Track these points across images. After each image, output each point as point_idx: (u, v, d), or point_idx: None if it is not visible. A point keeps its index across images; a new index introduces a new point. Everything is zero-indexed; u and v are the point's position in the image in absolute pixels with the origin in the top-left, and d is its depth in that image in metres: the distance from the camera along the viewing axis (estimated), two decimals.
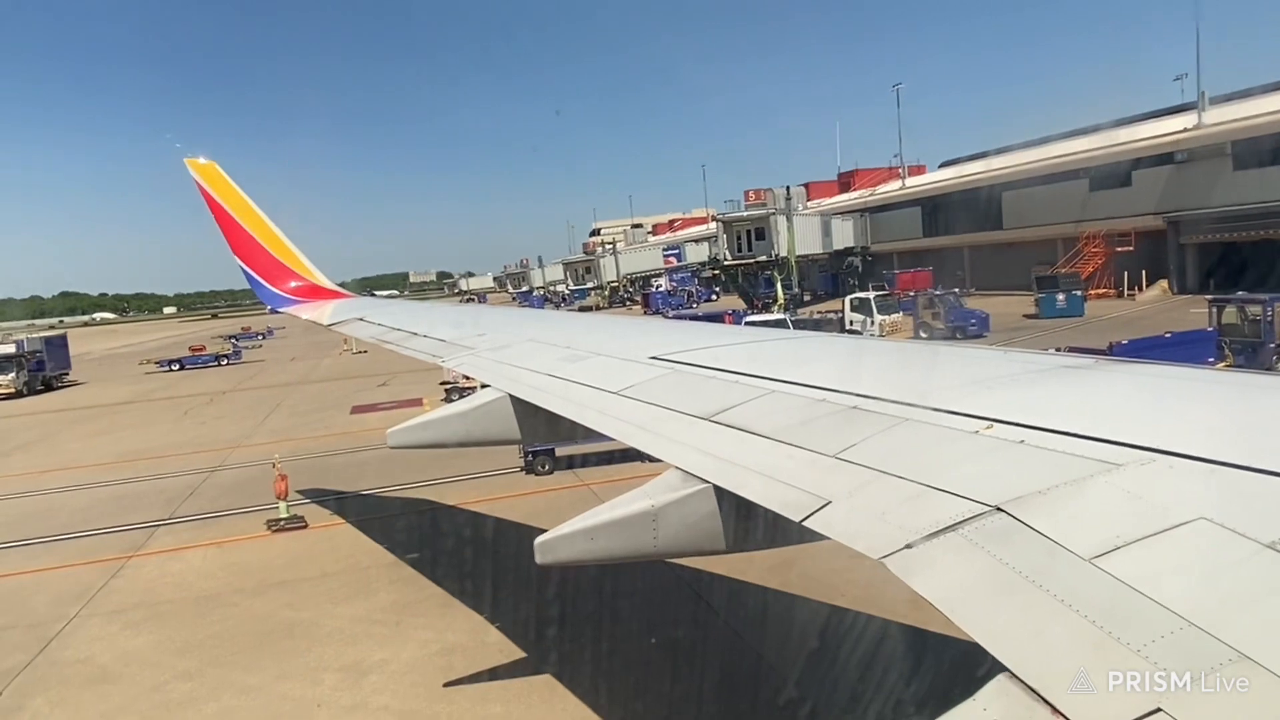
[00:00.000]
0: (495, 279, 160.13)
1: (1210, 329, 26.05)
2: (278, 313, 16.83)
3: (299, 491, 18.94)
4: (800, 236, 61.41)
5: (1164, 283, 49.53)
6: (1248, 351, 24.78)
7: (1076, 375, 4.75)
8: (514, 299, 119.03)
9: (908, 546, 2.93)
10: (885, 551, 2.95)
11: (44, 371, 51.42)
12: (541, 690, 9.70)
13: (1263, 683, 1.90)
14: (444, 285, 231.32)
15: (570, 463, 19.30)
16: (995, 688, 2.20)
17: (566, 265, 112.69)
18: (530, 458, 19.47)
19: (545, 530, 4.56)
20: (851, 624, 10.22)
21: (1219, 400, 3.97)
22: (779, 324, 33.66)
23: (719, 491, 4.22)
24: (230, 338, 75.05)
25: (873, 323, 39.00)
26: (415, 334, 11.46)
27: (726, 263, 64.55)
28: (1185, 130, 49.75)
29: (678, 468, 4.46)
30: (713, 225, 77.16)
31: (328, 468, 22.39)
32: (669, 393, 5.70)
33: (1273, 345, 24.43)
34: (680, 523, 4.33)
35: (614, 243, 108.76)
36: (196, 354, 61.59)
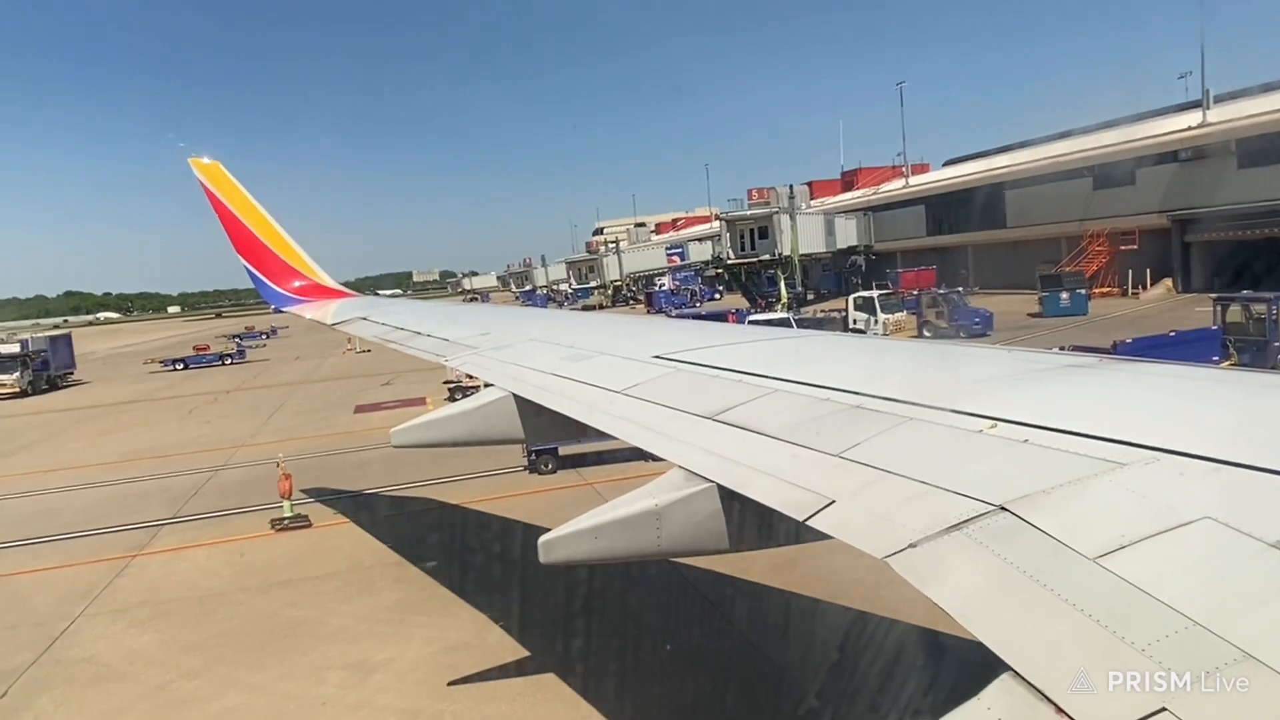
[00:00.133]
0: (498, 278, 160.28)
1: (1215, 328, 25.99)
2: (281, 312, 16.86)
3: (303, 491, 18.98)
4: (803, 235, 61.33)
5: (1168, 281, 49.41)
6: (1252, 350, 24.73)
7: (1081, 374, 4.74)
8: (517, 298, 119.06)
9: (912, 546, 2.93)
10: (889, 551, 2.95)
11: (49, 371, 51.54)
12: (546, 689, 9.71)
13: (1268, 683, 1.90)
14: (447, 284, 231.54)
15: (574, 462, 19.31)
16: (999, 687, 2.20)
17: (570, 264, 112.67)
18: (534, 457, 19.48)
19: (549, 529, 4.56)
20: (855, 623, 10.21)
21: (1224, 399, 3.96)
22: (782, 323, 33.63)
23: (722, 491, 4.22)
24: (234, 337, 75.18)
25: (876, 322, 38.94)
26: (418, 333, 11.47)
27: (730, 262, 64.43)
28: (1190, 128, 49.62)
29: (681, 467, 4.46)
30: (716, 224, 77.07)
31: (331, 467, 22.43)
32: (672, 392, 5.70)
33: (1278, 344, 24.36)
34: (684, 522, 4.33)
35: (617, 242, 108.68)
36: (200, 353, 61.69)
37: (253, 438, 28.55)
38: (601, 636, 10.88)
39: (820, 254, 68.40)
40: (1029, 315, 44.86)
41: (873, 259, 73.37)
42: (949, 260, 65.08)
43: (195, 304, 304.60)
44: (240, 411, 35.47)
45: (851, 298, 42.59)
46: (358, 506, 18.47)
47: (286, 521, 17.09)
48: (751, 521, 4.31)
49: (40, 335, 58.64)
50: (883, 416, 4.20)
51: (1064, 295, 45.05)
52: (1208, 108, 50.13)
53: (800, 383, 5.15)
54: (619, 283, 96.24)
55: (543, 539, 4.53)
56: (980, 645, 2.36)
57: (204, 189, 15.21)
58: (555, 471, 19.35)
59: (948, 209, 69.23)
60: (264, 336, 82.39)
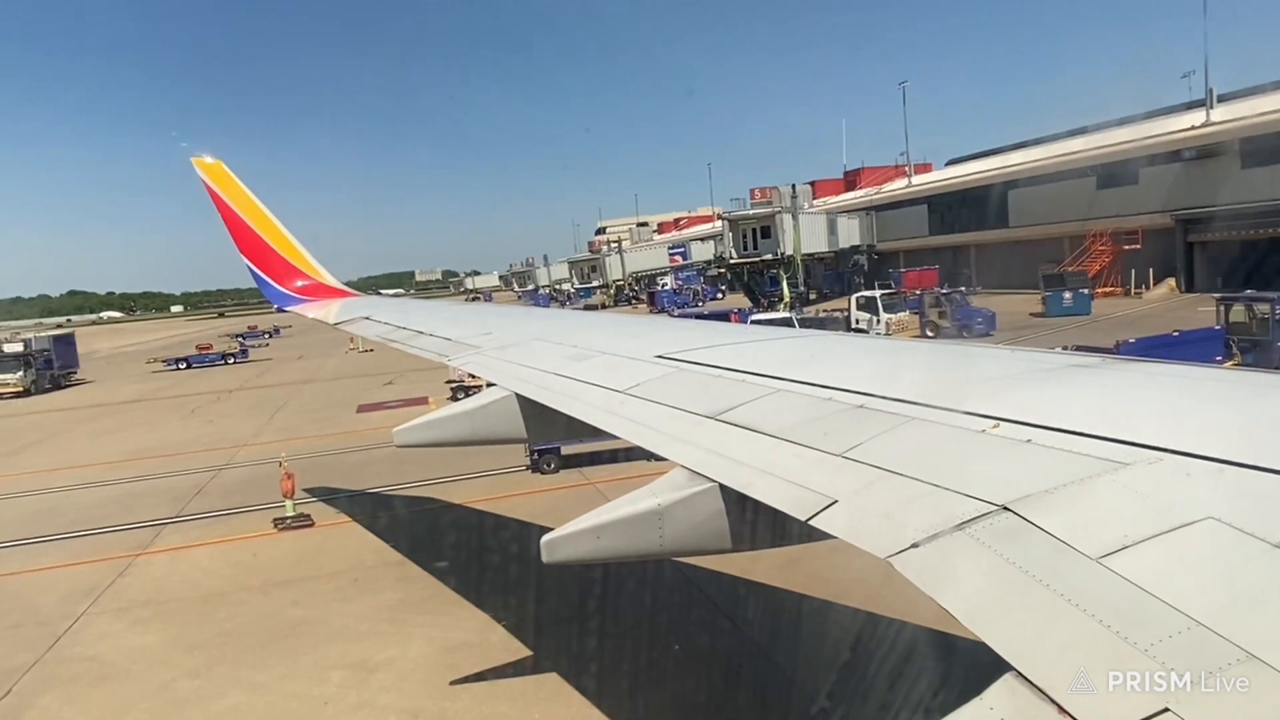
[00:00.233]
0: (501, 278, 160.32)
1: (1218, 327, 25.94)
2: (284, 311, 16.87)
3: (305, 490, 19.00)
4: (806, 235, 61.32)
5: (1171, 281, 49.34)
6: (1256, 350, 24.67)
7: (1083, 374, 4.73)
8: (520, 298, 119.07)
9: (914, 546, 2.92)
10: (891, 551, 2.95)
11: (52, 370, 51.70)
12: (548, 689, 9.71)
13: (1271, 683, 1.89)
14: (449, 284, 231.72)
15: (576, 461, 19.31)
16: (1002, 687, 2.20)
17: (572, 264, 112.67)
18: (536, 456, 19.49)
19: (551, 529, 4.57)
20: (857, 623, 10.21)
21: (1227, 399, 3.95)
22: (785, 323, 33.59)
23: (725, 490, 4.21)
24: (237, 336, 75.35)
25: (879, 321, 38.90)
26: (421, 333, 11.47)
27: (732, 261, 64.46)
28: (1193, 128, 49.54)
29: (684, 466, 4.46)
30: (718, 224, 77.00)
31: (334, 466, 22.45)
32: (674, 391, 5.69)
33: None
34: (686, 521, 4.33)
35: (619, 241, 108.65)
36: (203, 353, 61.74)
37: (255, 437, 28.58)
38: (604, 636, 10.88)
39: (823, 253, 68.44)
40: (1032, 315, 44.80)
41: (875, 259, 73.39)
42: (952, 260, 65.06)
43: (198, 303, 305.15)
44: (243, 411, 35.51)
45: (854, 297, 42.54)
46: (360, 506, 18.48)
47: (289, 521, 17.11)
48: (754, 521, 4.30)
49: (44, 334, 58.79)
50: (885, 416, 4.20)
51: (1067, 295, 44.97)
52: (1211, 107, 50.05)
53: (803, 382, 5.14)
54: (621, 282, 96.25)
55: (545, 538, 4.53)
56: (983, 645, 2.36)
57: (207, 188, 15.22)
58: (558, 471, 19.36)
59: (950, 208, 69.15)
60: (267, 336, 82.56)
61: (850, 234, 71.69)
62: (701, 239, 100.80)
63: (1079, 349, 19.47)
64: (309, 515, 17.41)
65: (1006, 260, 60.78)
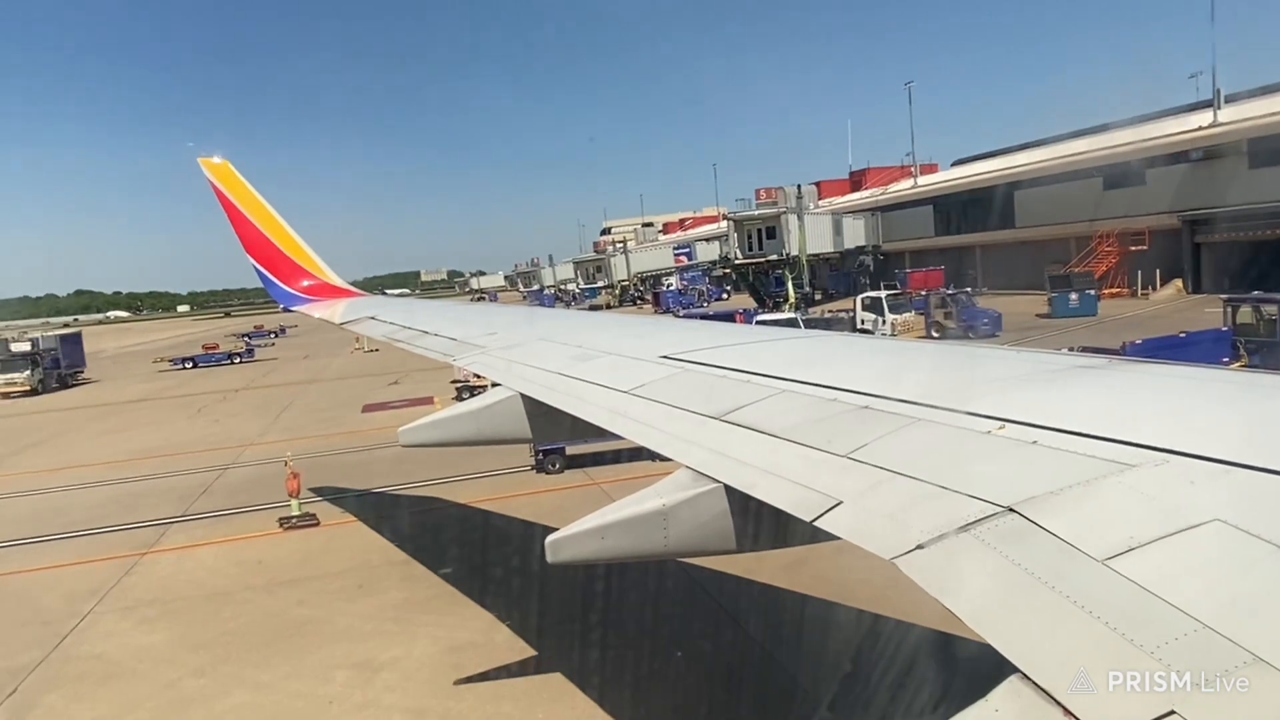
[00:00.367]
0: (506, 278, 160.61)
1: (1225, 329, 25.83)
2: (290, 311, 16.92)
3: (311, 489, 19.03)
4: (811, 235, 61.27)
5: (1178, 282, 49.17)
6: (1263, 351, 24.56)
7: (1090, 375, 4.72)
8: (525, 298, 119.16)
9: (919, 547, 2.92)
10: (897, 552, 2.94)
11: (59, 369, 51.88)
12: (552, 689, 9.72)
13: (1278, 686, 1.89)
14: (455, 284, 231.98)
15: (581, 461, 19.32)
16: (1007, 689, 2.19)
17: (577, 264, 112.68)
18: (541, 456, 19.50)
19: (556, 529, 4.57)
20: (862, 624, 10.20)
21: (1234, 401, 3.94)
22: (790, 323, 33.57)
23: (730, 491, 4.21)
24: (243, 336, 75.40)
25: (884, 322, 38.85)
26: (426, 332, 11.49)
27: (737, 261, 64.46)
28: (1200, 128, 49.38)
29: (688, 467, 4.46)
30: (723, 224, 76.99)
31: (339, 466, 22.49)
32: (679, 392, 5.69)
33: None
34: (691, 522, 4.32)
35: (624, 241, 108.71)
36: (209, 352, 61.88)
37: (261, 436, 28.65)
38: (608, 636, 10.88)
39: (828, 254, 68.29)
40: (1038, 316, 44.69)
41: (881, 259, 73.20)
42: (957, 261, 64.91)
43: (204, 303, 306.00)
44: (249, 410, 35.59)
45: (859, 298, 42.47)
46: (365, 505, 18.51)
47: (294, 520, 17.14)
48: (759, 522, 4.30)
49: (51, 334, 59.05)
50: (890, 417, 4.19)
51: (1073, 296, 44.87)
52: (1219, 107, 49.87)
53: (808, 383, 5.14)
54: (626, 283, 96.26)
55: (550, 538, 4.54)
56: (988, 647, 2.35)
57: (213, 188, 15.27)
58: (562, 471, 19.36)
59: (956, 209, 69.05)
60: (273, 335, 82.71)
61: (856, 234, 71.56)
62: (707, 239, 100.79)
63: (1085, 350, 19.41)
64: (314, 515, 17.44)
65: (1012, 261, 60.63)
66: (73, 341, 56.73)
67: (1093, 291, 45.86)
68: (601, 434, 6.09)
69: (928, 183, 78.22)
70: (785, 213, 60.77)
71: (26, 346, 50.95)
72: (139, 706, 10.39)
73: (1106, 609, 2.29)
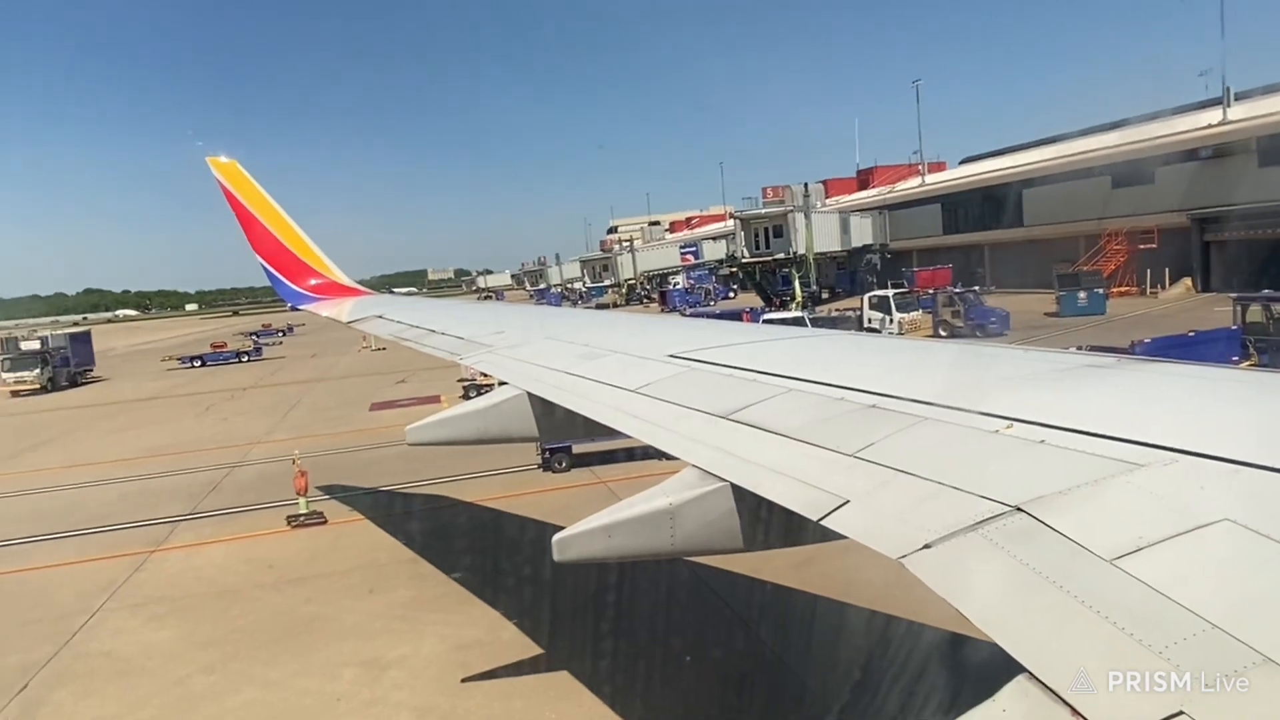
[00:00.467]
0: (513, 276, 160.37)
1: (1235, 327, 25.73)
2: (298, 310, 16.97)
3: (318, 487, 19.10)
4: (819, 234, 61.13)
5: (1187, 281, 48.93)
6: (1273, 350, 24.47)
7: (1098, 374, 4.70)
8: (531, 296, 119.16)
9: (927, 547, 2.91)
10: (904, 551, 2.94)
11: (68, 367, 52.14)
12: (559, 687, 9.73)
13: None
14: (462, 283, 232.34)
15: (587, 460, 19.32)
16: (1014, 689, 2.19)
17: (584, 263, 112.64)
18: (548, 455, 19.52)
19: (562, 527, 4.58)
20: (869, 623, 10.18)
21: (1243, 400, 3.92)
22: (797, 322, 33.53)
23: (736, 490, 4.21)
24: (251, 334, 75.70)
25: (891, 321, 38.75)
26: (433, 331, 11.51)
27: (744, 260, 64.33)
28: (1210, 126, 49.08)
29: (695, 466, 4.46)
30: (730, 223, 76.97)
31: (347, 464, 22.55)
32: (686, 391, 5.69)
33: None
34: (698, 521, 4.33)
35: (631, 240, 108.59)
36: (218, 351, 62.13)
37: (269, 435, 28.74)
38: (614, 634, 10.88)
39: (835, 253, 68.19)
40: (1046, 315, 44.53)
41: (888, 258, 73.11)
42: (965, 259, 64.74)
43: (213, 302, 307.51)
44: (257, 408, 35.72)
45: (867, 297, 42.38)
46: (373, 503, 18.56)
47: (302, 518, 17.20)
48: (765, 521, 4.30)
49: (60, 332, 59.33)
50: (898, 416, 4.19)
51: (1081, 295, 44.67)
52: (1228, 105, 49.54)
53: (815, 382, 5.13)
54: (633, 281, 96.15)
55: (556, 537, 4.54)
56: (995, 647, 2.35)
57: (221, 188, 15.32)
58: (569, 470, 19.38)
59: (964, 207, 68.88)
60: (280, 334, 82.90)
61: (863, 233, 71.42)
62: (713, 238, 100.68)
63: (1094, 349, 19.32)
64: (322, 513, 17.49)
65: (1021, 260, 60.44)
66: (82, 340, 57.04)
67: (1101, 290, 45.64)
68: (608, 433, 6.09)
69: (935, 181, 77.97)
70: (792, 211, 60.61)
71: (36, 345, 51.31)
72: (148, 703, 10.44)
73: (1115, 609, 2.29)
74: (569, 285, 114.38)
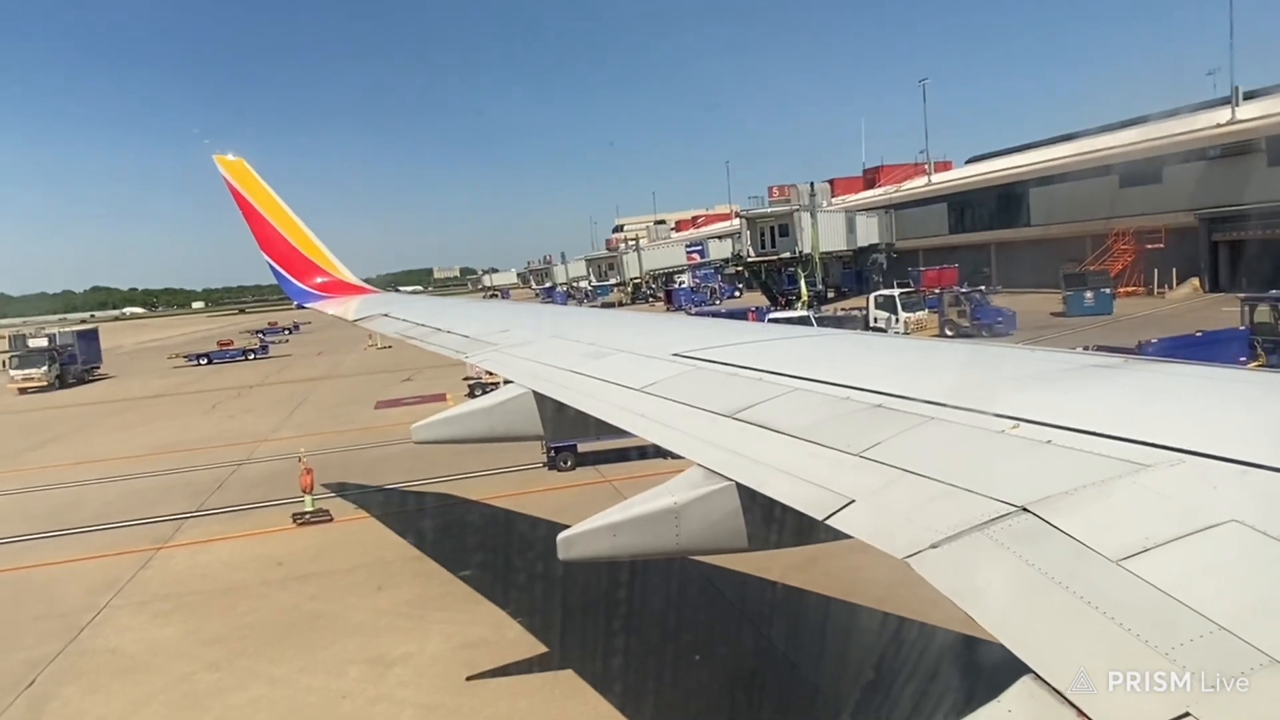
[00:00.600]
0: (518, 275, 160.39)
1: (1242, 328, 25.60)
2: (304, 308, 17.02)
3: (324, 485, 19.14)
4: (824, 233, 61.06)
5: (1195, 280, 48.73)
6: None
7: (1105, 374, 4.69)
8: (537, 295, 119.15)
9: (932, 546, 2.91)
10: (909, 551, 2.94)
11: (76, 365, 52.40)
12: (563, 685, 9.74)
13: None
14: (467, 281, 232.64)
15: (593, 459, 19.34)
16: (1020, 690, 2.18)
17: (589, 261, 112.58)
18: (553, 453, 19.53)
19: (567, 526, 4.58)
20: (873, 623, 10.17)
21: (1251, 400, 3.90)
22: (802, 321, 33.49)
23: (741, 489, 4.21)
24: (257, 333, 75.82)
25: (897, 320, 38.65)
26: (439, 330, 11.53)
27: (750, 259, 64.25)
28: (1218, 125, 48.86)
29: (700, 465, 4.46)
30: (736, 222, 76.80)
31: (353, 462, 22.60)
32: (691, 390, 5.69)
33: None
34: (702, 520, 4.32)
35: (637, 239, 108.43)
36: (224, 348, 62.33)
37: (275, 432, 28.82)
38: (619, 633, 10.89)
39: (841, 252, 68.11)
40: (1052, 314, 44.40)
41: (894, 257, 72.88)
42: (971, 259, 64.52)
43: (219, 299, 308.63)
44: (263, 406, 35.82)
45: (872, 296, 42.28)
46: (378, 501, 18.60)
47: (308, 516, 17.24)
48: (770, 520, 4.30)
49: (67, 330, 59.71)
50: (904, 416, 4.18)
51: (1088, 294, 44.51)
52: (1237, 104, 49.31)
53: (820, 381, 5.12)
54: (639, 280, 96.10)
55: (561, 536, 4.55)
56: (1001, 647, 2.34)
57: (228, 186, 15.36)
58: (574, 468, 19.39)
59: (970, 207, 68.70)
60: (287, 332, 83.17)
61: (869, 232, 71.27)
62: (719, 237, 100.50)
63: (1100, 349, 19.25)
64: (328, 510, 17.54)
65: (1027, 259, 60.23)
66: (89, 338, 57.30)
67: (1108, 290, 45.47)
68: (614, 431, 6.09)
69: (942, 180, 77.82)
70: (798, 210, 60.54)
71: (44, 342, 51.64)
72: (154, 699, 10.48)
73: (1121, 610, 2.28)
74: (574, 284, 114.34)
